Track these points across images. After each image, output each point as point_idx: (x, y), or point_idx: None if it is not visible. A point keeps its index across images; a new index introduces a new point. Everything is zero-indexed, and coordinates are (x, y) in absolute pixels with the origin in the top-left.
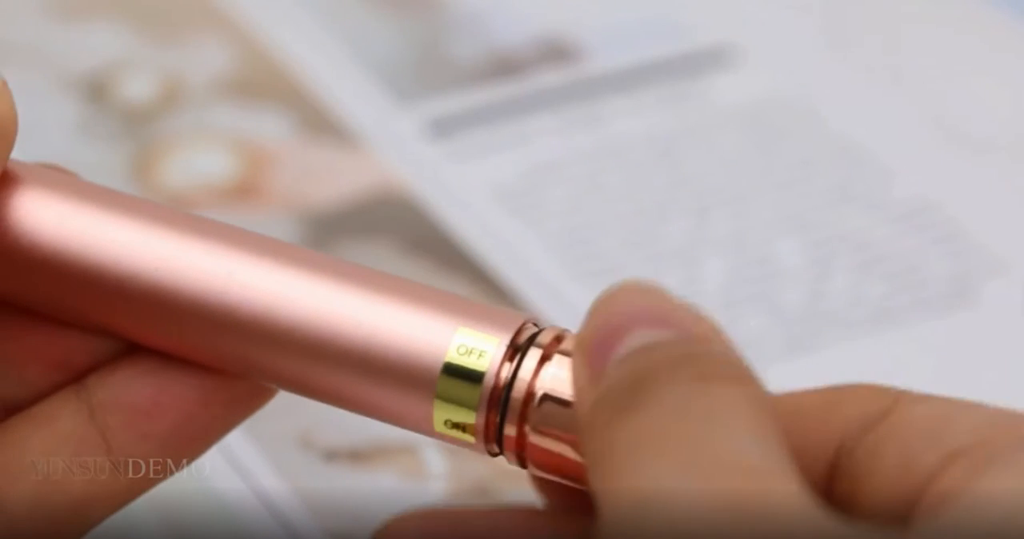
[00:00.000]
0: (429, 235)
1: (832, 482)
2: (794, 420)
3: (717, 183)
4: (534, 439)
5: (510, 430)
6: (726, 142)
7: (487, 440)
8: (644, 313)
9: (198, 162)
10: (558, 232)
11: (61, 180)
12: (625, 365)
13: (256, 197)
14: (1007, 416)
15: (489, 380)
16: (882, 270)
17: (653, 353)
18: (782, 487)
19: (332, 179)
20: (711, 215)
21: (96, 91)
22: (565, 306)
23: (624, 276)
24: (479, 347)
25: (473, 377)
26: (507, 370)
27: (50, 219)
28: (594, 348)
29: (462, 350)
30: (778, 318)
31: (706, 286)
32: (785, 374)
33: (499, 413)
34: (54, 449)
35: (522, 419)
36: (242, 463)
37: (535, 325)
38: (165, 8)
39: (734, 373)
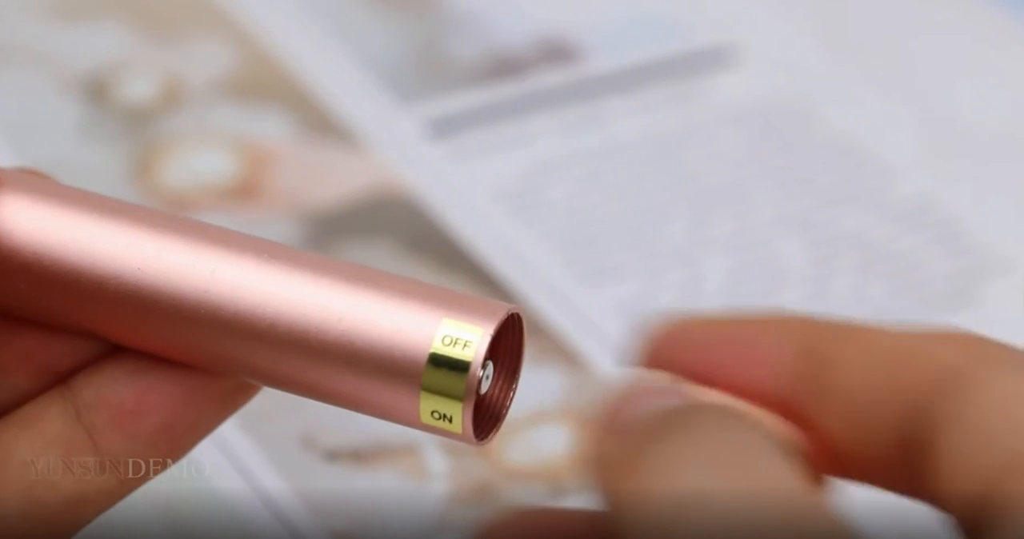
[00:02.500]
0: (429, 235)
1: (906, 445)
2: (869, 368)
3: (718, 183)
4: None
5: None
6: (727, 142)
7: (474, 429)
8: (653, 388)
9: (199, 162)
10: (559, 232)
11: (39, 183)
12: (650, 413)
13: (256, 197)
14: None
15: (475, 370)
16: (883, 270)
17: (677, 406)
18: (826, 507)
19: (332, 179)
20: (712, 215)
21: (97, 91)
22: (566, 306)
23: (625, 275)
24: (464, 337)
25: (459, 367)
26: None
27: (29, 222)
28: (611, 414)
29: (447, 341)
30: None
31: (707, 286)
32: None
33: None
34: (42, 450)
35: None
36: (244, 463)
37: (521, 316)
38: (166, 8)
39: (756, 421)
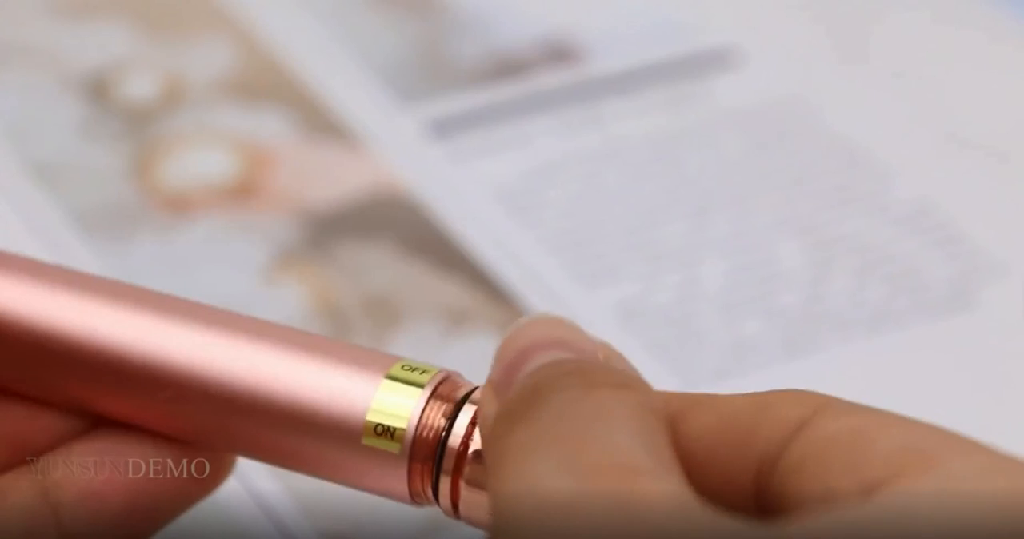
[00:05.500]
0: (429, 235)
1: (760, 497)
2: (718, 429)
3: (717, 184)
4: (466, 492)
5: (445, 483)
6: (727, 144)
7: (411, 479)
8: (546, 339)
9: (199, 162)
10: (558, 233)
11: (8, 257)
12: (524, 381)
13: (256, 197)
14: (923, 438)
15: (410, 432)
16: (882, 272)
17: (549, 368)
18: (656, 483)
19: (332, 179)
20: (711, 217)
21: (97, 90)
22: (564, 307)
23: (623, 277)
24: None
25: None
26: (435, 423)
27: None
28: (500, 374)
29: (405, 367)
30: (777, 320)
31: (705, 288)
32: (783, 376)
33: (433, 465)
34: (5, 520)
35: (457, 472)
36: (237, 463)
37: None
38: (167, 8)
39: (620, 381)
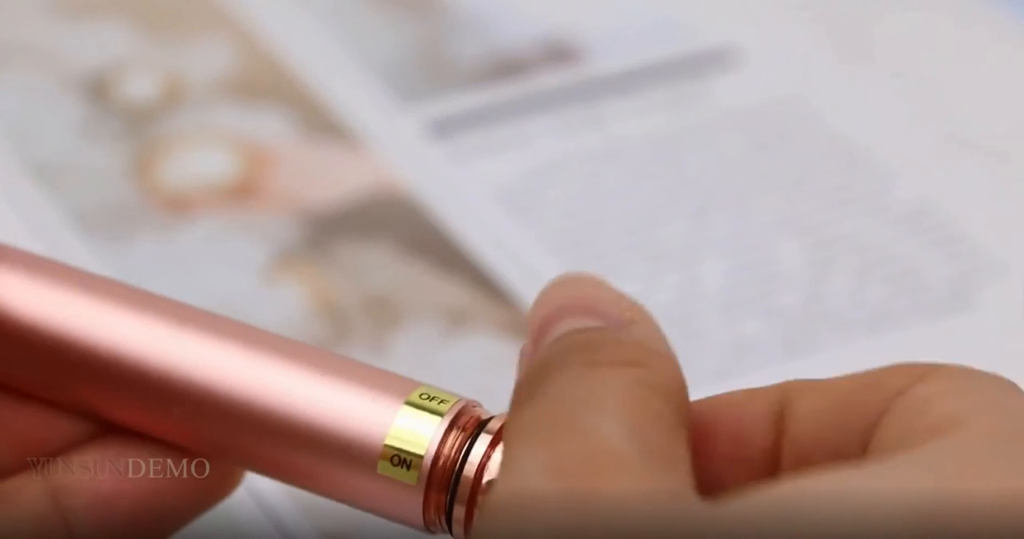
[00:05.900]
0: (429, 235)
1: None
2: (825, 411)
3: (717, 184)
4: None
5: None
6: (727, 144)
7: (425, 508)
8: (573, 303)
9: (199, 162)
10: (558, 233)
11: (32, 259)
12: (539, 354)
13: (256, 197)
14: (964, 406)
15: (427, 462)
16: (882, 272)
17: (561, 342)
18: (623, 476)
19: (332, 179)
20: (711, 217)
21: (97, 90)
22: None
23: (623, 277)
24: (441, 396)
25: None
26: (450, 450)
27: (23, 296)
28: (528, 344)
29: (423, 396)
30: (777, 320)
31: (705, 288)
32: (783, 377)
33: (447, 495)
34: (14, 526)
35: (471, 502)
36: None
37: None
38: (167, 8)
39: (627, 357)
